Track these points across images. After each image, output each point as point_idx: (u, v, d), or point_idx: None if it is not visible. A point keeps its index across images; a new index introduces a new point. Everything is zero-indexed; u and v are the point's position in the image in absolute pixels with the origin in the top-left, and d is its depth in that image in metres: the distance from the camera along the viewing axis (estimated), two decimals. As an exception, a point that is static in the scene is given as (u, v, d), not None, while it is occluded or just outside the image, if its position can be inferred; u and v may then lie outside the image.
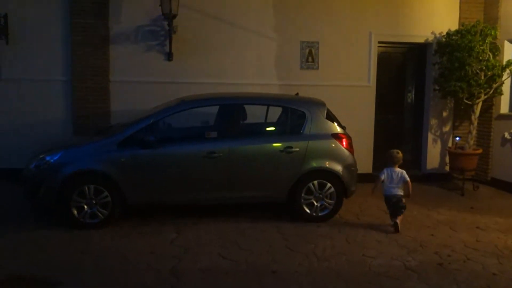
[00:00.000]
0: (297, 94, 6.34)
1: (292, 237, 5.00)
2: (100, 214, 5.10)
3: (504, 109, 7.49)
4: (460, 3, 7.72)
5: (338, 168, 5.48)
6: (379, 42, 7.68)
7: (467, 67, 6.97)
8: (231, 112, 5.70)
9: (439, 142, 7.98)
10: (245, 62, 7.37)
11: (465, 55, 6.94)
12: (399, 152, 5.40)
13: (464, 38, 7.04)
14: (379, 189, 5.38)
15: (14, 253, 4.42)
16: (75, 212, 5.05)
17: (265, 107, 6.21)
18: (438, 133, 7.98)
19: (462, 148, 7.35)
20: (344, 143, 5.56)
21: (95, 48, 6.96)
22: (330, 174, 5.49)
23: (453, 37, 7.28)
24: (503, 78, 7.13)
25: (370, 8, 7.55)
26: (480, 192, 7.21)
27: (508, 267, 4.31)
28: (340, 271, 4.16)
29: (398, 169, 5.33)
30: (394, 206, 5.23)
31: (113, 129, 5.86)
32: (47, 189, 5.04)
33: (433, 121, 7.93)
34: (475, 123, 7.36)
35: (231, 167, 5.32)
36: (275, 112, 6.19)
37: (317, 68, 7.53)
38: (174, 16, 6.76)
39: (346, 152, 5.56)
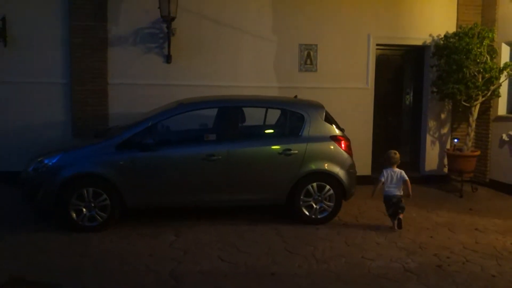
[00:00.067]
0: (295, 96, 6.35)
1: (291, 239, 5.00)
2: (98, 217, 5.09)
3: (501, 111, 7.52)
4: (458, 5, 7.76)
5: (337, 170, 5.49)
6: (377, 45, 7.70)
7: (464, 69, 7.00)
8: (229, 115, 5.70)
9: (437, 144, 8.00)
10: (243, 65, 7.39)
11: (463, 58, 6.97)
12: (397, 152, 5.49)
13: (462, 40, 7.07)
14: (381, 190, 5.42)
15: (13, 255, 4.41)
16: (74, 215, 5.04)
17: (263, 110, 6.22)
18: (436, 135, 8.00)
19: (460, 150, 7.37)
20: (342, 145, 5.57)
21: (94, 50, 6.97)
22: (329, 176, 5.50)
23: (451, 40, 7.31)
24: (501, 80, 7.16)
25: (368, 10, 7.58)
26: (478, 194, 7.23)
27: (507, 268, 4.32)
28: (339, 273, 4.16)
29: (397, 169, 5.40)
30: (395, 205, 5.28)
31: (112, 131, 5.86)
32: (46, 192, 5.03)
33: (431, 123, 7.95)
34: (473, 125, 7.39)
35: (230, 170, 5.32)
36: (274, 115, 6.19)
37: (316, 71, 7.55)
38: (173, 19, 6.77)
39: (345, 154, 5.56)
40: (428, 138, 7.97)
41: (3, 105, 6.96)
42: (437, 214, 6.09)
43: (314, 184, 5.47)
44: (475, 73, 7.04)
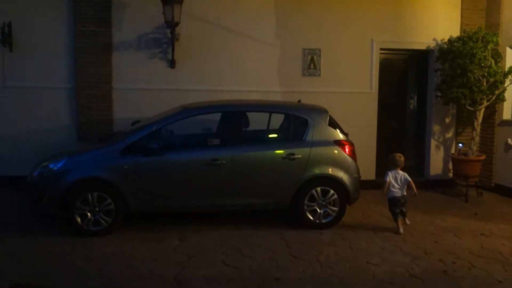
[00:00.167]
0: (299, 101, 6.35)
1: (296, 244, 4.98)
2: (103, 222, 5.10)
3: (506, 115, 7.49)
4: (462, 9, 7.76)
5: (341, 174, 5.48)
6: (381, 49, 7.70)
7: (469, 73, 6.98)
8: (233, 119, 5.71)
9: (442, 148, 7.97)
10: (247, 69, 7.40)
11: (467, 62, 6.95)
12: (402, 156, 5.57)
13: (466, 44, 7.05)
14: (387, 191, 5.51)
15: (18, 259, 4.41)
16: (79, 219, 5.05)
17: (267, 114, 6.23)
18: (441, 140, 7.97)
19: (465, 154, 7.33)
20: (346, 149, 5.57)
21: (99, 55, 7.01)
22: (333, 181, 5.49)
23: (455, 44, 7.30)
24: (506, 85, 7.13)
25: (372, 15, 7.58)
26: (484, 199, 7.19)
27: (513, 274, 4.29)
28: (343, 278, 4.14)
29: (400, 172, 5.49)
30: (403, 206, 5.43)
31: (116, 136, 5.88)
32: (51, 196, 5.05)
33: (436, 128, 7.93)
34: (478, 130, 7.35)
35: (234, 174, 5.32)
36: (278, 119, 6.20)
37: (319, 75, 7.55)
38: (177, 24, 6.80)
39: (349, 159, 5.56)
40: (433, 143, 7.94)
41: (8, 109, 6.99)
42: (442, 219, 6.05)
43: (318, 189, 5.46)
44: (480, 77, 7.02)
